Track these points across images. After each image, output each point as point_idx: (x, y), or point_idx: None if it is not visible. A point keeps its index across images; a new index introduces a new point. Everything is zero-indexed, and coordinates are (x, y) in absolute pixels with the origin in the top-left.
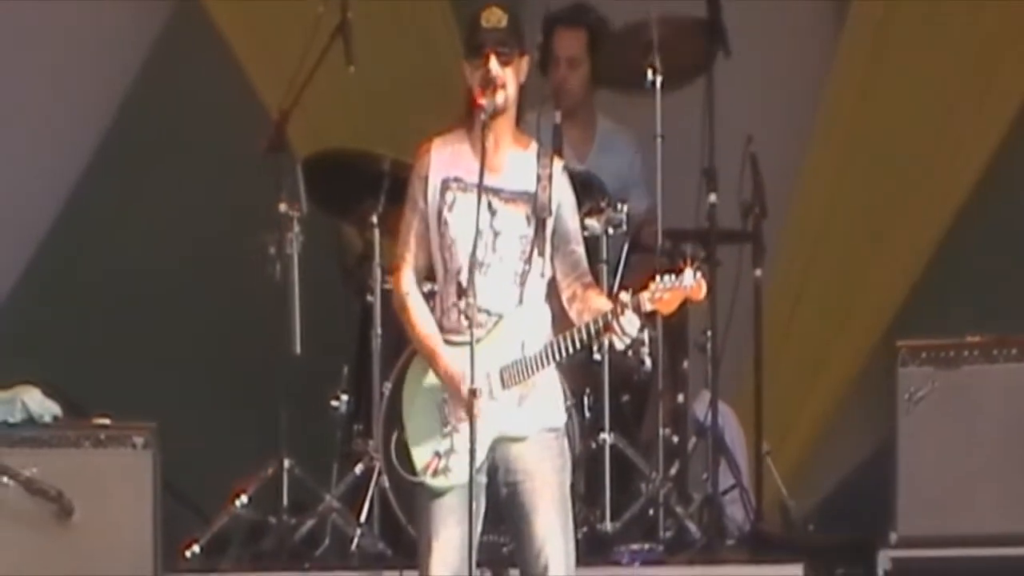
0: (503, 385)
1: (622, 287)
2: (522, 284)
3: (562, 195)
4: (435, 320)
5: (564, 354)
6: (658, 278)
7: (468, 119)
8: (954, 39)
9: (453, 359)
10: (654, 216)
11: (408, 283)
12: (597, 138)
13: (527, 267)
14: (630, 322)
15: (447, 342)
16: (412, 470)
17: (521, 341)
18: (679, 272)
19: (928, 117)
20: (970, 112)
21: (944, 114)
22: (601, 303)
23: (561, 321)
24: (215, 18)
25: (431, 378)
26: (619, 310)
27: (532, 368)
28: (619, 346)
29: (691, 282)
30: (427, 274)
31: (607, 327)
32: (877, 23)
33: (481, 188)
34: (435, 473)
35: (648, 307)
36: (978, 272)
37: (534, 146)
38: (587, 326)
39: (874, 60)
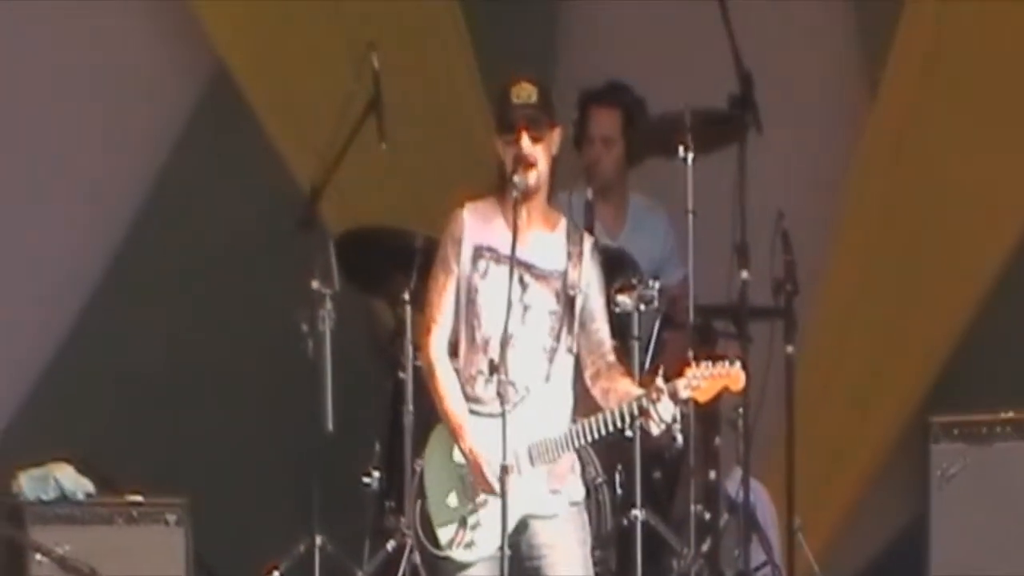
0: (531, 463)
1: (654, 365)
2: (551, 360)
3: (591, 273)
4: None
5: (597, 436)
6: (694, 365)
7: (501, 191)
8: (985, 117)
9: (477, 436)
10: (685, 289)
11: (438, 349)
12: (629, 217)
13: (555, 343)
14: (665, 408)
15: (473, 414)
16: (434, 542)
17: (549, 418)
18: (717, 359)
19: (960, 194)
20: (1004, 187)
21: (977, 186)
22: (628, 386)
23: (583, 400)
24: (247, 93)
25: (455, 451)
26: (655, 396)
27: (563, 448)
28: (654, 431)
29: (731, 370)
30: (454, 348)
31: (643, 412)
32: (909, 101)
33: (513, 261)
34: (459, 546)
35: (684, 395)
36: (1013, 347)
37: (563, 224)
38: (621, 410)
39: (904, 137)
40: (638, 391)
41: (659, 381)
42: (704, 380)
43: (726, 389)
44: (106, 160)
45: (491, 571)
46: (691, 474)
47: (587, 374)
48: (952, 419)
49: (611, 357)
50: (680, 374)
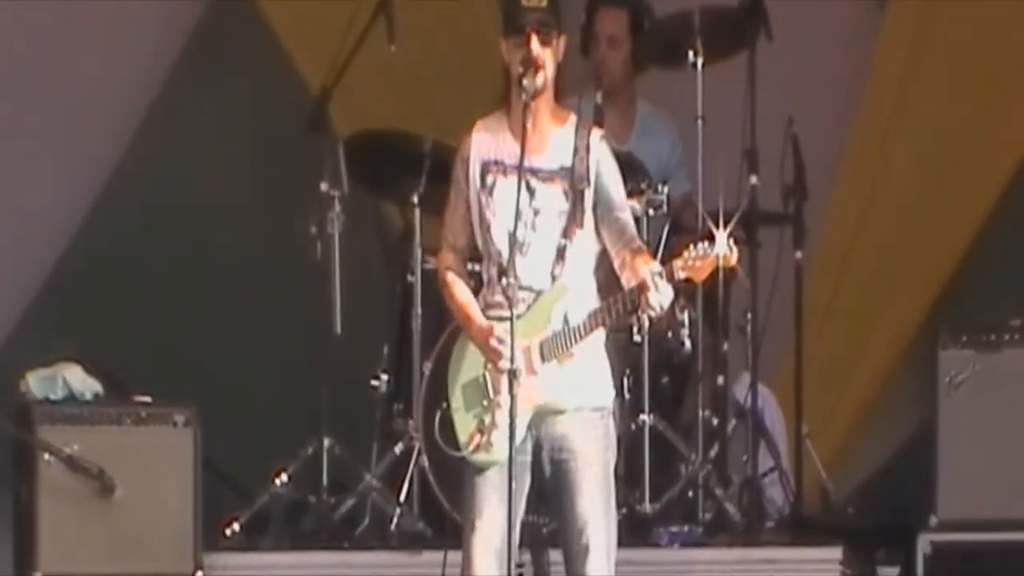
0: (543, 358)
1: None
2: (562, 259)
3: (601, 164)
4: (480, 298)
5: (601, 324)
6: (691, 246)
7: (507, 98)
8: (997, 24)
9: (486, 321)
10: (693, 199)
11: (449, 260)
12: (637, 122)
13: (566, 241)
14: (663, 292)
15: (491, 318)
16: (457, 446)
17: (563, 314)
18: (711, 239)
19: (973, 97)
20: (1019, 91)
21: (990, 94)
22: (645, 270)
23: (613, 292)
24: None
25: (475, 354)
26: (651, 279)
27: (572, 339)
28: (652, 315)
29: (723, 249)
30: (471, 254)
31: (641, 297)
32: (922, 6)
33: (521, 170)
34: (477, 448)
35: (680, 275)
36: (1020, 257)
37: (573, 119)
38: (622, 296)
39: (918, 42)
40: (647, 273)
41: (655, 264)
42: (698, 259)
43: (721, 267)
44: (118, 58)
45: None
46: (699, 380)
47: (616, 264)
48: (960, 326)
49: (636, 243)
50: (677, 256)
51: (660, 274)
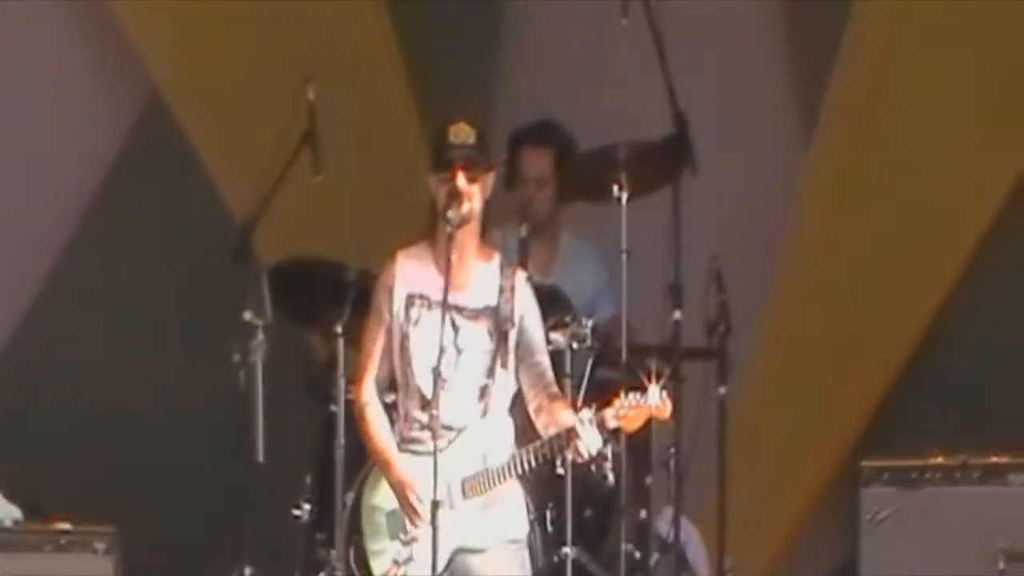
0: (464, 495)
1: (586, 402)
2: (484, 398)
3: (525, 306)
4: (397, 430)
5: (527, 468)
6: (623, 395)
7: (432, 231)
8: (930, 141)
9: (406, 468)
10: (618, 325)
11: (368, 394)
12: (561, 255)
13: (489, 381)
14: (592, 439)
15: (409, 452)
16: None
17: (483, 453)
18: (644, 390)
19: (894, 234)
20: (942, 222)
21: (915, 222)
22: (567, 417)
23: (527, 432)
24: (182, 122)
25: (389, 488)
26: (581, 427)
27: (494, 480)
28: (580, 461)
29: (656, 401)
30: (389, 384)
31: (570, 443)
32: (844, 141)
33: (445, 306)
34: None
35: (612, 424)
36: (947, 388)
37: (497, 258)
38: (550, 441)
39: (844, 175)
40: (571, 421)
41: (585, 411)
42: (631, 409)
43: (654, 419)
44: (38, 185)
45: None
46: (622, 513)
47: (530, 408)
48: (882, 464)
49: (553, 389)
50: (608, 405)
51: (590, 420)
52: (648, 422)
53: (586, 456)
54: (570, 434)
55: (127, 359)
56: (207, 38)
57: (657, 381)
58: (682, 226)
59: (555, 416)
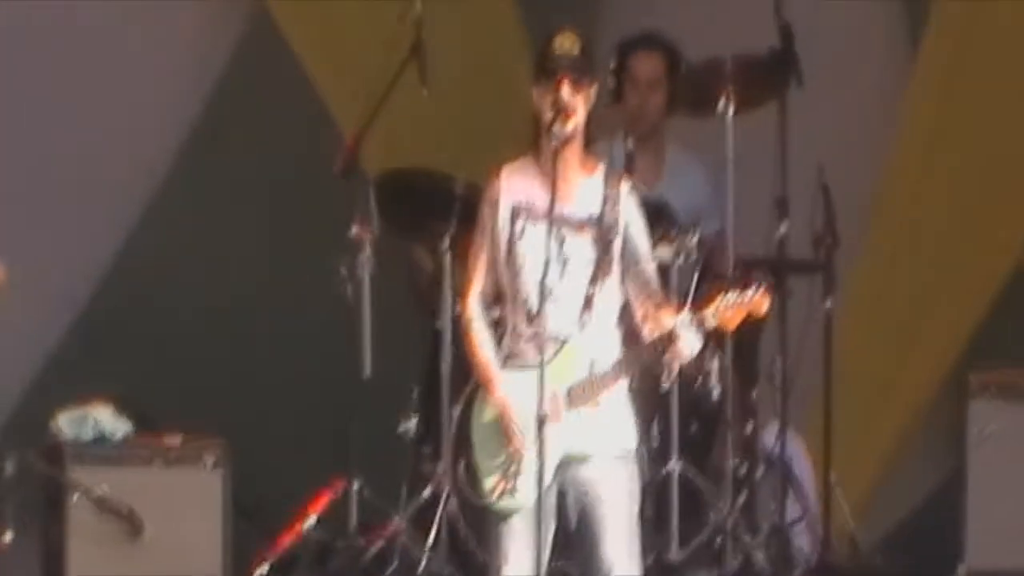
0: (570, 403)
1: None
2: (589, 307)
3: (629, 215)
4: (504, 345)
5: (627, 372)
6: (723, 294)
7: (537, 144)
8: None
9: (507, 387)
10: (724, 241)
11: (474, 309)
12: (667, 166)
13: (594, 290)
14: (692, 340)
15: (516, 367)
16: (480, 493)
17: (590, 361)
18: (744, 288)
19: (1001, 146)
20: None
21: (1015, 149)
22: (669, 321)
23: (635, 342)
24: (288, 36)
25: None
26: (681, 328)
27: (599, 386)
28: (681, 363)
29: (755, 295)
30: (495, 298)
31: (670, 345)
32: (950, 55)
33: (551, 220)
34: (501, 495)
35: (711, 322)
36: None
37: (601, 169)
38: (652, 344)
39: (948, 91)
40: (672, 324)
41: (685, 312)
42: (730, 308)
43: (751, 315)
44: (148, 101)
45: (535, 521)
46: (728, 426)
47: (637, 316)
48: (990, 376)
49: (659, 298)
50: (708, 304)
51: (689, 322)
52: (747, 319)
53: (686, 358)
54: (671, 336)
55: (235, 274)
56: None
57: (756, 285)
58: (788, 140)
59: (660, 322)
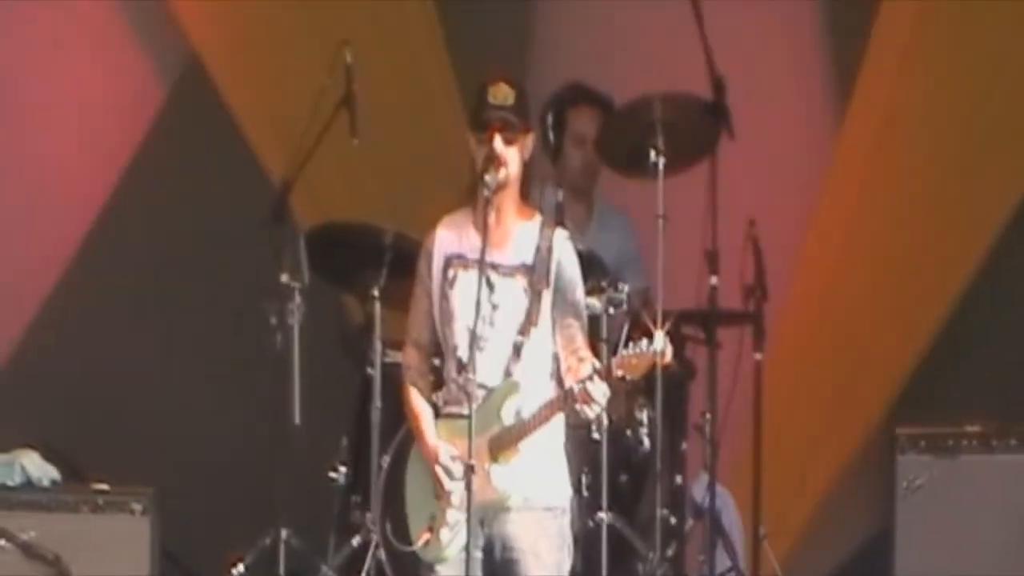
0: (491, 455)
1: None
2: (518, 356)
3: (562, 267)
4: (441, 394)
5: (541, 422)
6: (630, 345)
7: (472, 192)
8: (954, 129)
9: (435, 435)
10: (647, 298)
11: (411, 359)
12: (596, 216)
13: (523, 338)
14: (600, 389)
15: (448, 415)
16: (409, 542)
17: (515, 411)
18: (650, 337)
19: (931, 197)
20: (969, 200)
21: (944, 201)
22: (584, 372)
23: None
24: (219, 86)
25: None
26: (588, 377)
27: (518, 436)
28: (590, 415)
29: (659, 346)
30: (434, 349)
31: (580, 395)
32: (881, 110)
33: (482, 263)
34: (427, 544)
35: (618, 372)
36: (981, 357)
37: (538, 218)
38: (564, 394)
39: (877, 147)
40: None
41: (592, 362)
42: (634, 357)
43: (655, 364)
44: (76, 149)
45: (461, 570)
46: (658, 478)
47: (562, 370)
48: (918, 431)
49: (583, 352)
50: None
51: (597, 373)
52: (652, 368)
53: (594, 408)
54: (580, 385)
55: (163, 321)
56: (246, 3)
57: (661, 328)
58: (718, 192)
59: (577, 373)
